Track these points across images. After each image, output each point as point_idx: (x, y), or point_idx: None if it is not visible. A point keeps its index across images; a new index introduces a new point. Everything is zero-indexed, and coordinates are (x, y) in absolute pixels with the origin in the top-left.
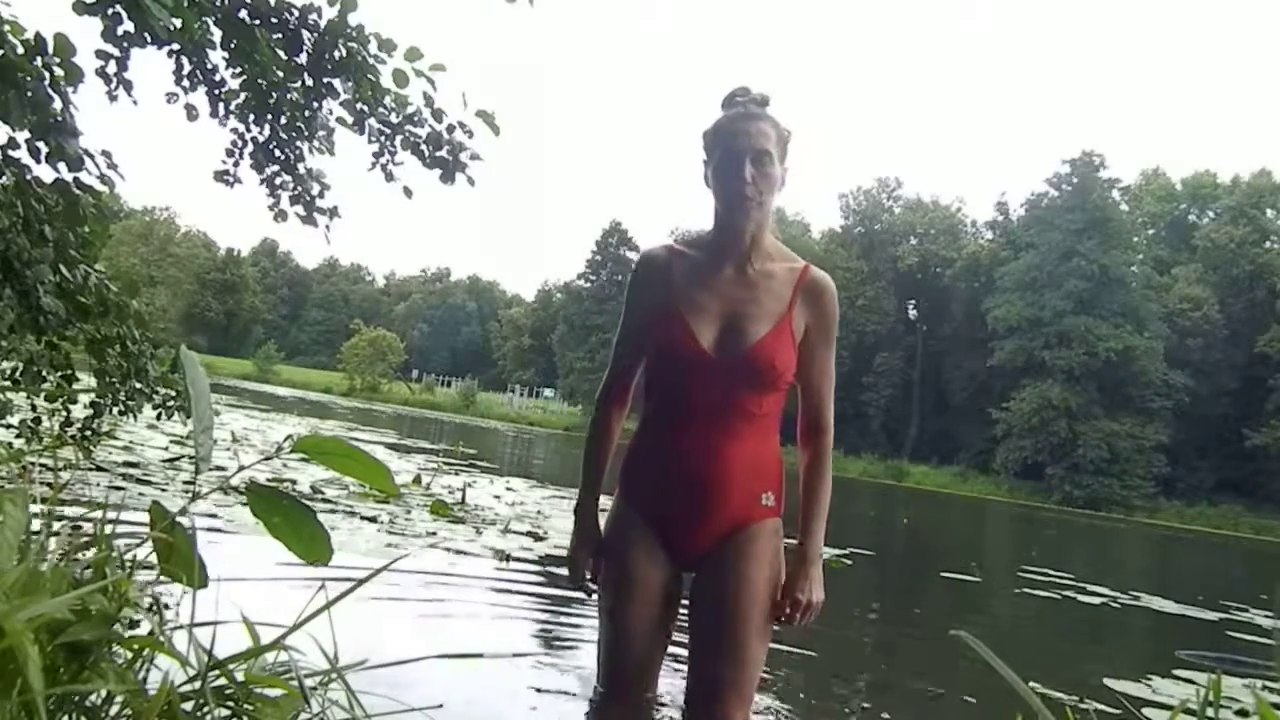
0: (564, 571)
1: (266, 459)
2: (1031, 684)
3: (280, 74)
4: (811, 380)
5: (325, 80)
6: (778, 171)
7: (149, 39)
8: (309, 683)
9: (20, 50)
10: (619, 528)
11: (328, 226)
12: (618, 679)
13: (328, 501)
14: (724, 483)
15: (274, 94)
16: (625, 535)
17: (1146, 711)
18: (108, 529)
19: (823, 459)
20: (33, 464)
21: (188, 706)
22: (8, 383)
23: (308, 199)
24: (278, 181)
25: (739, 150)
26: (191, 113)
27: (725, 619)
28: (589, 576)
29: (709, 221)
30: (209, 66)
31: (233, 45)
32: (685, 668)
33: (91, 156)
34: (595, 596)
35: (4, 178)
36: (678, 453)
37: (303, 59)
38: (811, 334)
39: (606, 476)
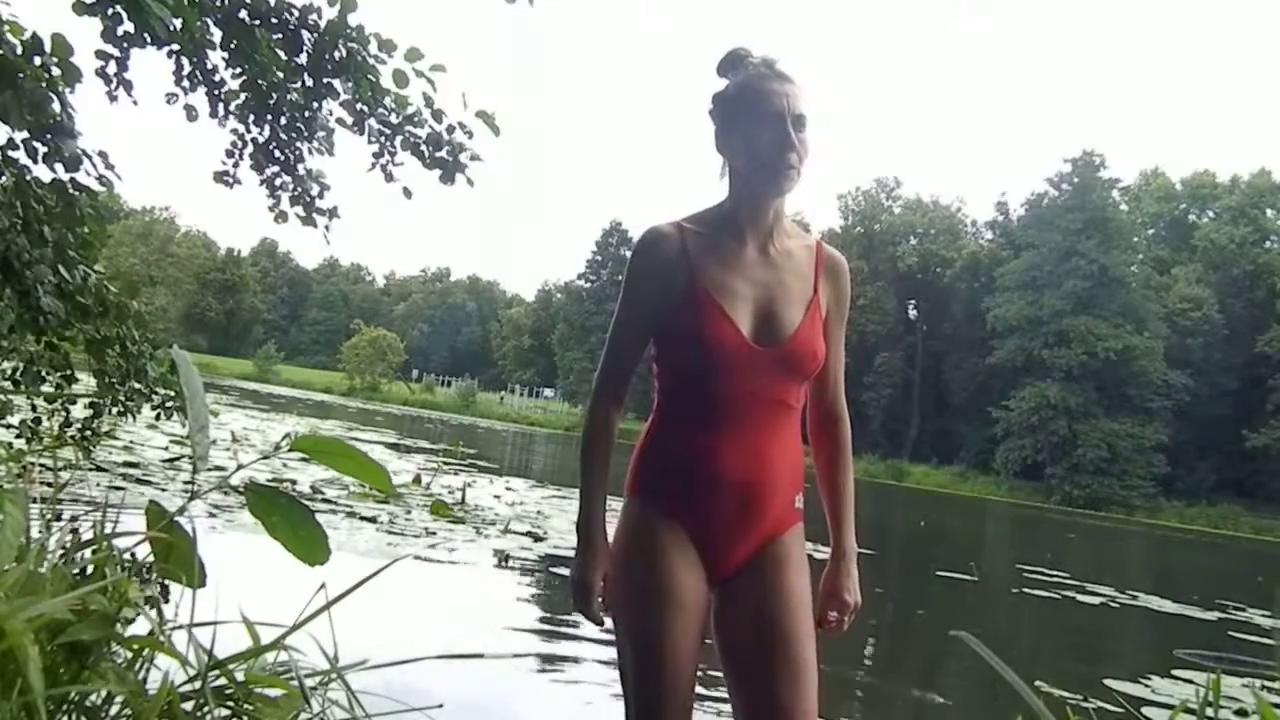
0: (564, 571)
1: (266, 459)
2: (1033, 683)
3: (280, 74)
4: (830, 364)
5: (325, 80)
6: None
7: (149, 39)
8: (309, 683)
9: (19, 50)
10: (642, 535)
11: (327, 227)
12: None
13: (328, 501)
14: (768, 487)
15: (274, 94)
16: (654, 543)
17: (1146, 711)
18: (108, 529)
19: (846, 448)
20: (33, 464)
21: (188, 706)
22: (8, 383)
23: (308, 199)
24: (278, 182)
25: (778, 112)
26: (191, 113)
27: (779, 640)
28: (603, 600)
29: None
30: (209, 67)
31: (233, 45)
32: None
33: (89, 157)
34: (611, 623)
35: (3, 178)
36: (713, 456)
37: (303, 59)
38: (831, 315)
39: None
